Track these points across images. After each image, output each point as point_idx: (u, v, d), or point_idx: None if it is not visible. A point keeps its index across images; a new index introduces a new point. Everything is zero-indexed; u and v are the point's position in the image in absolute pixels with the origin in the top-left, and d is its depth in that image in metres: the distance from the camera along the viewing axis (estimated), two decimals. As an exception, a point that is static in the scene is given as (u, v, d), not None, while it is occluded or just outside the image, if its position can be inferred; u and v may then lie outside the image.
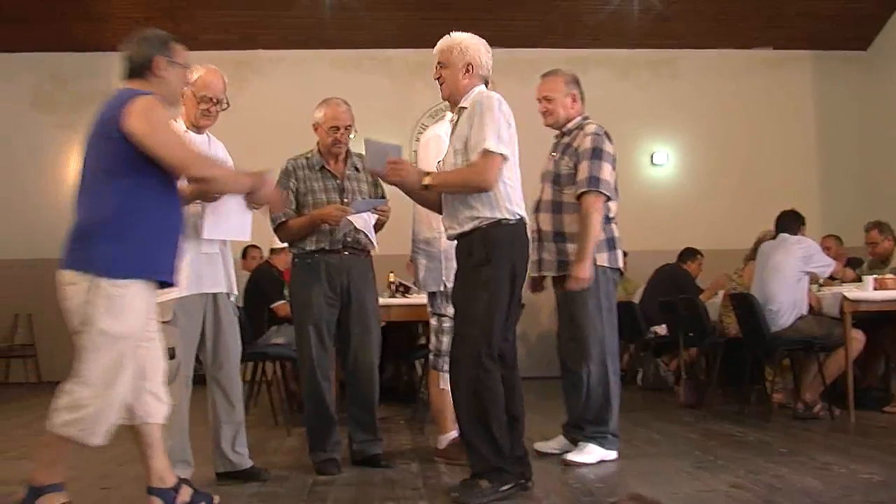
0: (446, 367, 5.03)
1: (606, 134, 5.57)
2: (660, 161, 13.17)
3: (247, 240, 5.09)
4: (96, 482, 5.08)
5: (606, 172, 5.43)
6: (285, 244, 5.76)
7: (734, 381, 8.48)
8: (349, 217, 5.27)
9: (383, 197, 5.65)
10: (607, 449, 5.47)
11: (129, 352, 3.87)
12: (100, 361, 3.82)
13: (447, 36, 4.81)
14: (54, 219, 12.37)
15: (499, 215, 4.46)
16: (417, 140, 12.55)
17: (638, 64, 13.19)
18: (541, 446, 5.80)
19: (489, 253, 4.42)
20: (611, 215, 5.56)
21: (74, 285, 3.81)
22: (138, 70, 4.08)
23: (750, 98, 13.04)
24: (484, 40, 4.77)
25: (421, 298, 7.87)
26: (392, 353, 10.14)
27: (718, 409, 7.87)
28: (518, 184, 4.61)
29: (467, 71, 4.67)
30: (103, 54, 12.67)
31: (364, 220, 5.36)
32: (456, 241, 4.63)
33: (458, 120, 4.66)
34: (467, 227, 4.49)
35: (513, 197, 4.53)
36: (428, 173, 4.57)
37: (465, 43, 4.72)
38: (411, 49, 12.55)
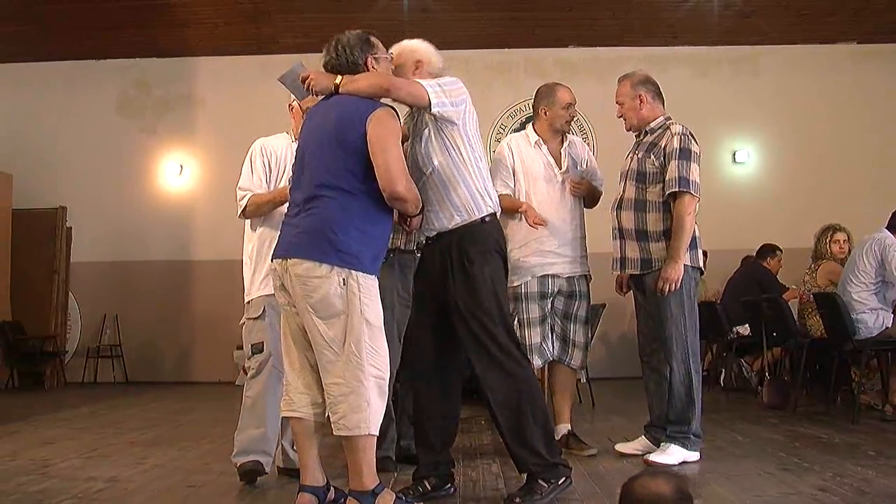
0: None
1: (691, 134, 5.51)
2: (742, 159, 13.01)
3: None
4: (183, 479, 5.17)
5: (695, 173, 5.39)
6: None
7: (820, 382, 8.34)
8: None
9: None
10: (690, 450, 5.40)
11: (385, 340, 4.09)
12: (371, 350, 3.96)
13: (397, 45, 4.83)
14: (139, 221, 12.67)
15: (486, 211, 4.47)
16: (497, 140, 12.58)
17: (718, 61, 13.05)
18: (622, 447, 5.76)
19: (485, 250, 4.42)
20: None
21: (322, 278, 3.93)
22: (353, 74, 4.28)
23: (834, 94, 12.81)
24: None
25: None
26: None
27: (803, 410, 7.77)
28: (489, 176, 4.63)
29: (417, 68, 4.68)
30: (186, 59, 12.96)
31: None
32: (433, 242, 4.57)
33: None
34: (450, 224, 4.45)
35: (490, 187, 4.57)
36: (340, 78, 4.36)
37: (413, 45, 4.84)
38: (490, 49, 12.59)
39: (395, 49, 4.77)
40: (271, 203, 5.05)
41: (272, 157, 5.21)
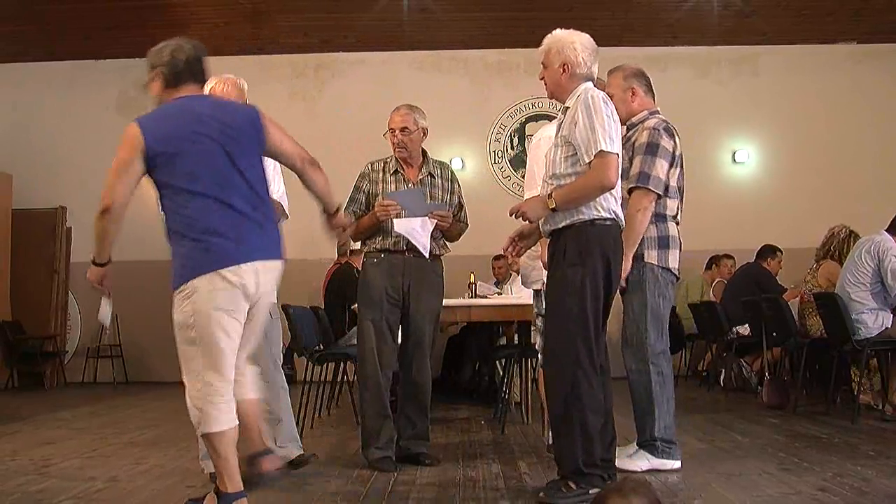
0: None
1: (668, 129, 5.30)
2: (742, 159, 12.98)
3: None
4: (182, 480, 5.16)
5: (659, 169, 5.17)
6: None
7: (819, 382, 8.32)
8: (393, 220, 5.34)
9: (461, 205, 5.71)
10: (659, 457, 5.17)
11: None
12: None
13: (550, 34, 4.75)
14: (140, 221, 12.58)
15: (594, 214, 4.42)
16: (497, 140, 12.58)
17: (718, 61, 13.03)
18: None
19: (585, 252, 4.38)
20: (668, 213, 5.31)
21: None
22: (206, 77, 4.31)
23: (834, 94, 12.77)
24: (587, 37, 4.70)
25: (501, 299, 7.88)
26: (473, 354, 10.14)
27: (803, 410, 7.76)
28: (618, 184, 4.56)
29: (564, 71, 4.61)
30: (186, 59, 12.88)
31: (407, 226, 5.38)
32: (550, 238, 4.61)
33: (563, 120, 4.63)
34: (560, 224, 4.46)
35: (609, 197, 4.48)
36: (550, 195, 4.46)
37: (562, 42, 4.66)
38: (490, 49, 12.60)
39: (544, 44, 4.73)
40: None
41: None
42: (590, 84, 4.62)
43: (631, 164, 5.26)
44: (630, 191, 5.19)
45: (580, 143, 4.41)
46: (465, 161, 12.75)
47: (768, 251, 10.35)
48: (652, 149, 5.21)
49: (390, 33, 12.36)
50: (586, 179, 4.40)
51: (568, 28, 4.76)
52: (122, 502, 4.65)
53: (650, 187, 5.14)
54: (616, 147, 4.38)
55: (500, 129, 12.77)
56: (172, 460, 5.85)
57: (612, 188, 4.42)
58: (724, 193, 12.45)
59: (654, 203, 5.18)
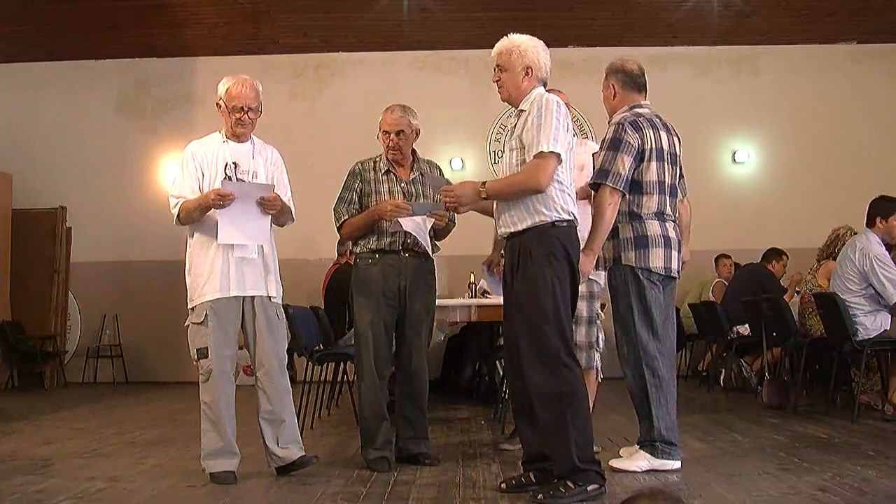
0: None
1: (634, 123, 5.20)
2: (742, 159, 12.97)
3: (264, 243, 5.17)
4: (182, 480, 5.16)
5: (619, 164, 5.08)
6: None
7: (820, 382, 8.31)
8: (399, 220, 5.32)
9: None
10: (659, 458, 5.14)
11: None
12: None
13: (505, 38, 4.78)
14: (140, 221, 12.64)
15: (554, 216, 4.46)
16: (497, 140, 12.58)
17: (718, 61, 13.03)
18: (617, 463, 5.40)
19: (552, 254, 4.42)
20: (645, 211, 5.20)
21: None
22: None
23: (834, 94, 12.77)
24: (542, 42, 4.73)
25: (501, 300, 7.88)
26: (473, 354, 10.15)
27: (803, 410, 7.76)
28: (572, 186, 4.61)
29: (527, 74, 4.64)
30: (185, 59, 12.95)
31: (415, 224, 5.37)
32: (507, 240, 4.65)
33: (516, 123, 4.65)
34: (521, 226, 4.50)
35: (567, 199, 4.52)
36: (483, 184, 4.54)
37: (525, 45, 4.69)
38: (490, 49, 12.52)
39: (501, 47, 4.75)
40: (199, 209, 5.06)
41: (204, 160, 5.20)
42: (542, 89, 4.67)
43: None
44: (594, 186, 5.16)
45: (526, 142, 4.46)
46: (465, 161, 12.76)
47: (773, 254, 10.38)
48: (614, 144, 5.17)
49: (390, 33, 12.35)
50: (520, 176, 4.46)
51: (568, 28, 4.78)
52: (122, 502, 4.66)
53: (608, 183, 5.07)
54: (559, 149, 4.38)
55: (500, 130, 12.74)
56: (172, 460, 5.85)
57: (542, 191, 4.43)
58: (724, 193, 12.45)
59: (619, 199, 5.11)
